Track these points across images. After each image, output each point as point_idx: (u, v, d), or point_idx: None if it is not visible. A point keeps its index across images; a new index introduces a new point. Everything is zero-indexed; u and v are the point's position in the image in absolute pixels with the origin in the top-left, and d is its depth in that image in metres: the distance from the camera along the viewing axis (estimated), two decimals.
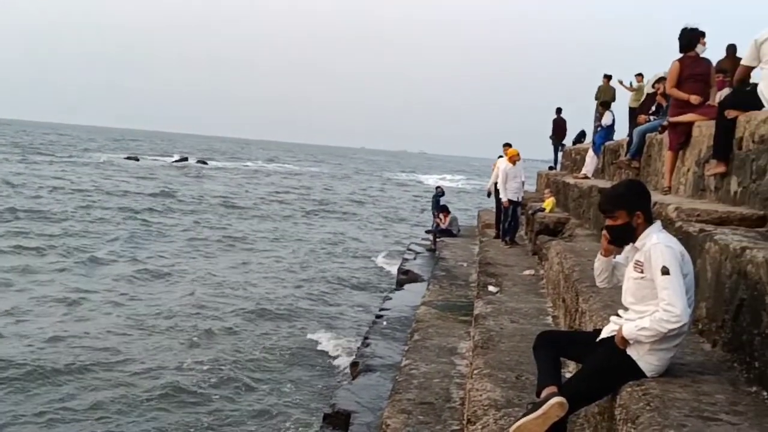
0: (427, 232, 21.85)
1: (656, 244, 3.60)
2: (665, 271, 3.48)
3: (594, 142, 15.09)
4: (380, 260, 22.39)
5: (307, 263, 20.95)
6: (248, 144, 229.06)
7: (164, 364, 11.20)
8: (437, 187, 23.09)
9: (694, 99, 7.57)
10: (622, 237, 3.86)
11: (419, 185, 67.26)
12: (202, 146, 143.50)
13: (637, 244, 3.76)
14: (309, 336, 13.13)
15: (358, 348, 10.78)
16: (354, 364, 9.83)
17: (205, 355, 11.71)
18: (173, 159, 76.22)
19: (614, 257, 4.08)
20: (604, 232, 3.95)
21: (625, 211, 3.77)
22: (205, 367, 11.10)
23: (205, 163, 75.89)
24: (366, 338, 10.93)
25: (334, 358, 11.92)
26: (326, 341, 12.78)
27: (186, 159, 77.16)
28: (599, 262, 4.12)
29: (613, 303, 4.89)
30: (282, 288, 17.28)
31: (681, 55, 7.85)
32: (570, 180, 14.48)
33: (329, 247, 24.67)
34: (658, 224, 3.80)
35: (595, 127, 16.27)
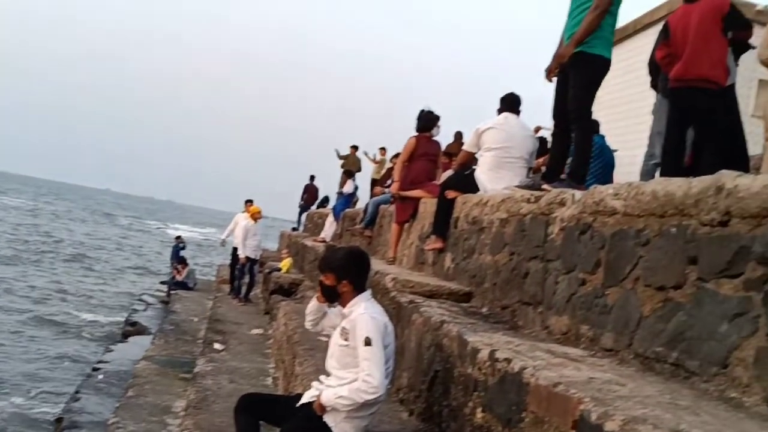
0: (162, 283, 21.04)
1: (362, 314, 3.67)
2: (368, 342, 3.55)
3: (335, 208, 15.50)
4: (106, 310, 21.05)
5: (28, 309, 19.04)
6: None
7: None
8: (177, 237, 22.42)
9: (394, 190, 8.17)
10: (329, 296, 3.96)
11: (162, 234, 64.85)
12: None
13: (345, 311, 3.83)
14: (13, 399, 11.69)
15: (66, 403, 9.91)
16: (59, 420, 9.01)
17: None
18: None
19: (328, 306, 4.13)
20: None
21: (334, 275, 3.85)
22: None
23: None
24: (77, 392, 10.09)
25: (37, 414, 10.82)
26: (25, 400, 11.49)
27: None
28: (312, 303, 4.19)
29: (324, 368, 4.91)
30: None
31: (417, 133, 8.31)
32: (309, 242, 14.70)
33: (54, 294, 22.70)
34: (367, 294, 3.89)
35: (338, 194, 16.76)
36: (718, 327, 2.56)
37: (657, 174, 5.84)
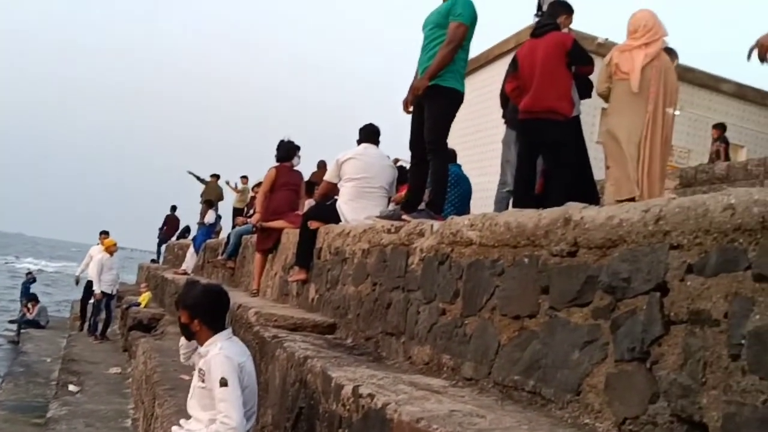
0: (11, 322, 19.74)
1: (217, 354, 3.57)
2: (223, 383, 3.45)
3: (195, 239, 15.12)
4: None
5: None
6: None
7: None
8: (28, 273, 21.15)
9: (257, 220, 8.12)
10: (186, 334, 3.87)
11: (11, 269, 60.99)
12: None
13: (202, 350, 3.71)
14: None
15: None
16: None
17: None
18: None
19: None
20: None
21: (188, 313, 3.75)
22: None
23: None
24: None
25: None
26: None
27: None
28: (183, 338, 4.04)
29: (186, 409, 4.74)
30: None
31: (278, 163, 8.26)
32: (169, 275, 14.25)
33: None
34: (226, 332, 3.80)
35: (199, 224, 16.37)
36: (571, 355, 2.65)
37: (510, 201, 6.09)
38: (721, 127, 14.38)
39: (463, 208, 7.03)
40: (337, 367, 3.70)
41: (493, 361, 3.18)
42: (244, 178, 17.75)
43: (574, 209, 2.87)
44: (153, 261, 22.45)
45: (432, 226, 4.17)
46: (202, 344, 3.76)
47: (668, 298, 2.27)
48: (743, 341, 1.97)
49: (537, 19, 6.22)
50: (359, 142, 6.76)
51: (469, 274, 3.54)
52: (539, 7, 6.48)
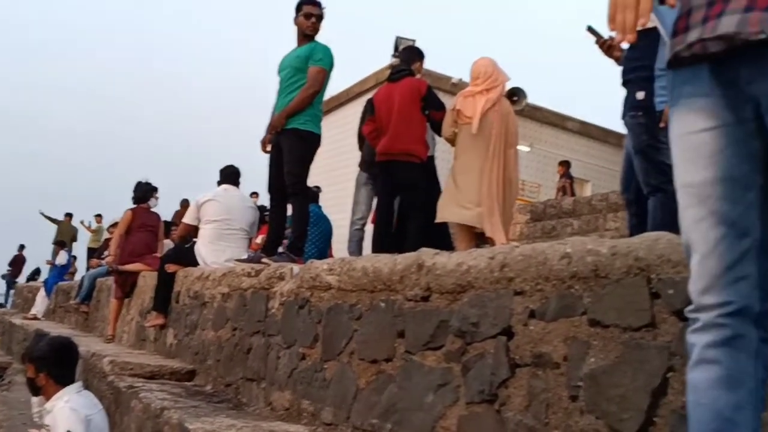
0: None
1: (62, 408, 3.44)
2: None
3: (46, 281, 14.38)
4: None
5: None
6: None
7: None
8: None
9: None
10: (32, 389, 3.70)
11: None
12: None
13: (47, 406, 3.56)
14: None
15: None
16: None
17: None
18: None
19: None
20: None
21: (33, 367, 3.59)
22: None
23: None
24: None
25: None
26: None
27: None
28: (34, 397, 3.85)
29: None
30: None
31: (134, 205, 8.05)
32: (18, 320, 13.43)
33: None
34: (76, 386, 3.66)
35: (50, 266, 15.58)
36: (425, 397, 2.73)
37: (361, 239, 6.28)
38: (566, 164, 15.23)
39: (324, 247, 7.09)
40: (195, 418, 3.62)
41: (351, 405, 3.22)
42: (98, 216, 17.09)
43: (427, 255, 2.97)
44: (0, 306, 21.11)
45: (292, 269, 4.19)
46: (48, 399, 3.60)
47: (513, 341, 2.39)
48: (580, 383, 2.11)
49: (393, 59, 6.45)
50: (219, 183, 6.70)
51: (328, 318, 3.57)
52: (396, 48, 6.71)
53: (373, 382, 3.12)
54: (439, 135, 5.90)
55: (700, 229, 1.35)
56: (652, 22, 1.58)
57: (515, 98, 7.40)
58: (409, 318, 2.95)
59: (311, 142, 5.20)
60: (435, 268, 2.85)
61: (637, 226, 4.19)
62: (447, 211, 5.52)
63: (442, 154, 6.72)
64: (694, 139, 1.37)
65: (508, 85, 5.89)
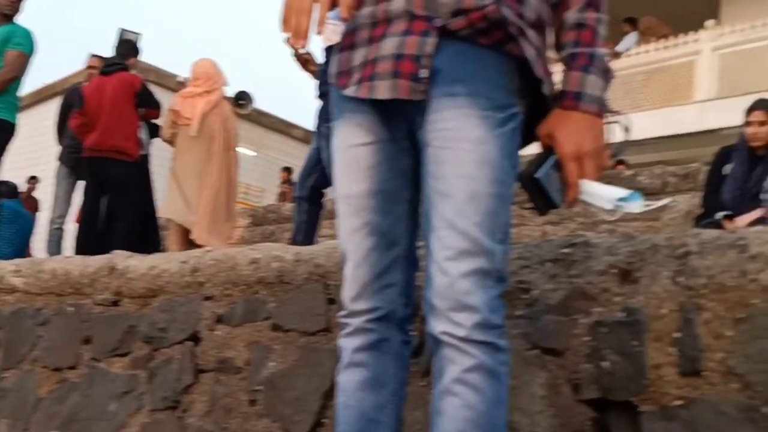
0: None
1: None
2: None
3: None
4: None
5: None
6: None
7: None
8: None
9: None
10: None
11: None
12: None
13: None
14: None
15: None
16: None
17: None
18: None
19: None
20: None
21: None
22: None
23: None
24: None
25: None
26: None
27: None
28: None
29: None
30: None
31: None
32: None
33: None
34: None
35: None
36: (108, 406, 2.63)
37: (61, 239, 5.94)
38: (288, 171, 15.52)
39: (22, 246, 6.55)
40: None
41: (31, 416, 3.00)
42: None
43: (120, 258, 2.87)
44: None
45: None
46: None
47: (200, 347, 2.39)
48: (260, 387, 2.16)
49: (91, 56, 6.20)
50: None
51: (11, 323, 3.30)
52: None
53: (55, 390, 2.94)
54: (155, 134, 5.74)
55: (355, 239, 1.44)
56: (335, 34, 1.63)
57: (242, 102, 7.44)
58: (97, 323, 2.82)
59: (6, 131, 4.79)
60: (127, 272, 2.76)
61: (307, 223, 4.50)
62: (171, 208, 5.39)
63: (159, 152, 6.54)
64: (353, 153, 1.46)
65: (230, 90, 5.89)
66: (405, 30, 1.36)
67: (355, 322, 1.44)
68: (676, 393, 1.54)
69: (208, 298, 2.41)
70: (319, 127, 4.30)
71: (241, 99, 7.41)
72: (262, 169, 17.63)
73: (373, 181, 1.44)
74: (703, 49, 10.85)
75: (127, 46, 5.86)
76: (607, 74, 1.43)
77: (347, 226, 1.46)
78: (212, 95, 5.52)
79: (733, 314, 1.51)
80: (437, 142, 1.36)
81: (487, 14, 1.34)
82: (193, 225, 5.36)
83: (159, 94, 6.16)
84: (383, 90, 1.37)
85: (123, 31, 6.69)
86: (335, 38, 1.54)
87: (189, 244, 5.39)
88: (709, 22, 10.92)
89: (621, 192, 1.39)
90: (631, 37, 11.82)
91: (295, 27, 1.36)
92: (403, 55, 1.35)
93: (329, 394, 1.98)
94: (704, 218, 4.22)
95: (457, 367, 1.29)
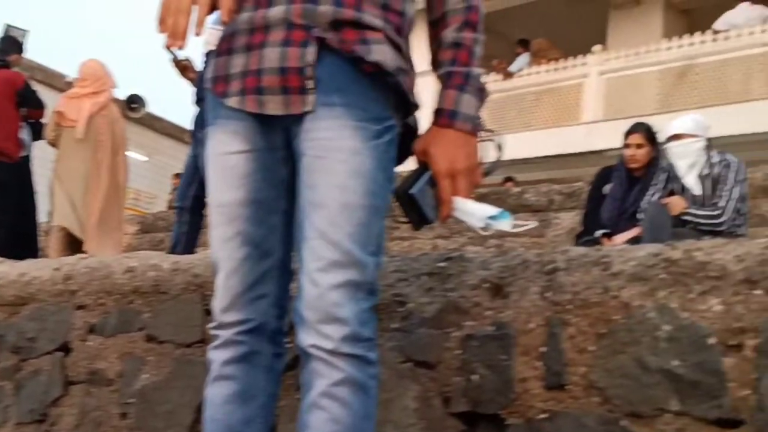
0: None
1: None
2: None
3: None
4: None
5: None
6: None
7: None
8: None
9: None
10: None
11: None
12: None
13: None
14: None
15: None
16: None
17: None
18: None
19: None
20: None
21: None
22: None
23: None
24: None
25: None
26: None
27: None
28: None
29: None
30: None
31: None
32: None
33: None
34: None
35: None
36: None
37: None
38: (180, 177, 15.16)
39: None
40: None
41: None
42: None
43: None
44: None
45: None
46: None
47: (70, 358, 2.30)
48: (132, 400, 2.09)
49: None
50: None
51: None
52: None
53: None
54: (36, 136, 5.51)
55: (227, 249, 1.41)
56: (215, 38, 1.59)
57: (134, 105, 7.23)
58: None
59: None
60: None
61: (187, 234, 4.44)
62: (62, 216, 5.18)
63: (41, 153, 6.28)
64: (227, 160, 1.42)
65: (122, 93, 5.73)
66: (284, 39, 1.35)
67: (225, 334, 1.42)
68: (541, 406, 1.59)
69: (80, 307, 2.33)
70: (195, 133, 4.23)
71: (134, 102, 7.19)
72: (154, 175, 17.18)
73: (247, 190, 1.41)
74: (591, 72, 11.29)
75: (10, 42, 5.62)
76: (482, 93, 1.46)
77: (219, 236, 1.43)
78: (100, 97, 5.35)
79: (595, 329, 1.57)
80: (312, 151, 1.35)
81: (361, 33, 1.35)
82: (84, 235, 5.18)
83: (46, 93, 5.95)
84: (275, 106, 1.36)
85: (8, 27, 6.42)
86: (216, 42, 1.50)
87: (71, 250, 5.20)
88: (597, 47, 11.36)
89: (492, 210, 1.42)
90: (523, 58, 12.18)
91: (172, 27, 1.32)
92: (288, 69, 1.34)
93: (202, 407, 1.94)
94: (584, 236, 4.38)
95: (324, 380, 1.28)
